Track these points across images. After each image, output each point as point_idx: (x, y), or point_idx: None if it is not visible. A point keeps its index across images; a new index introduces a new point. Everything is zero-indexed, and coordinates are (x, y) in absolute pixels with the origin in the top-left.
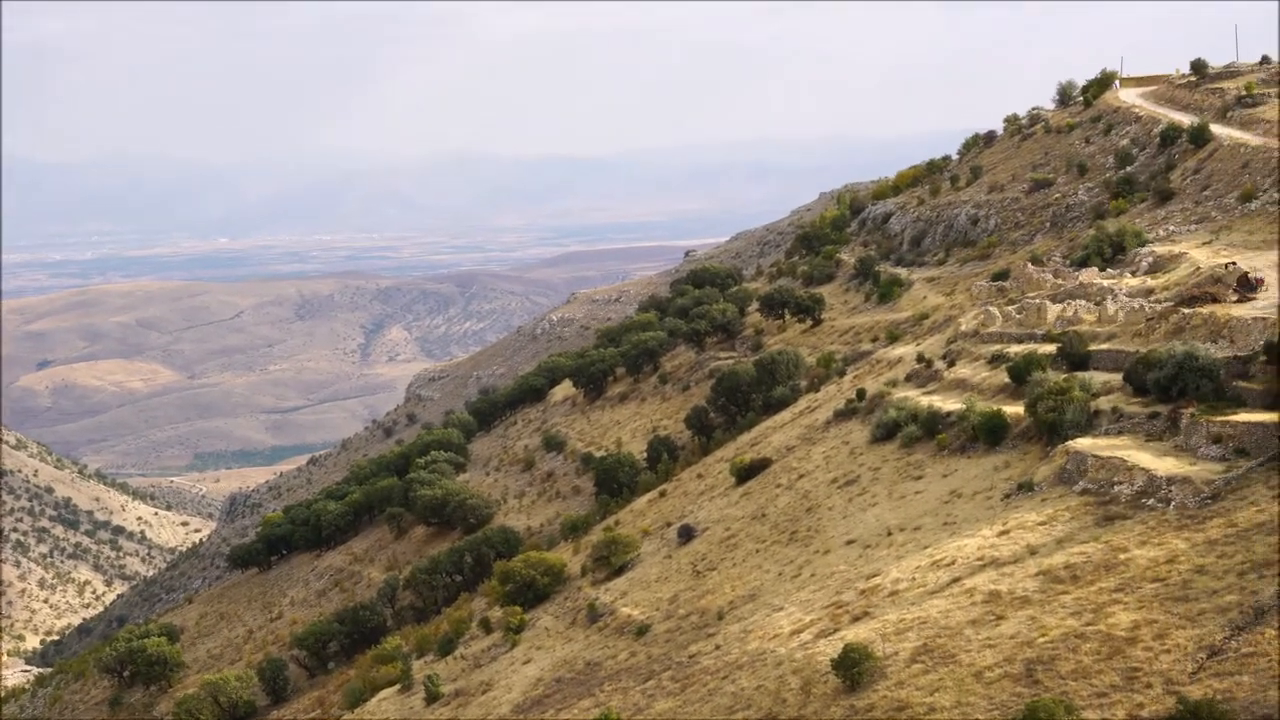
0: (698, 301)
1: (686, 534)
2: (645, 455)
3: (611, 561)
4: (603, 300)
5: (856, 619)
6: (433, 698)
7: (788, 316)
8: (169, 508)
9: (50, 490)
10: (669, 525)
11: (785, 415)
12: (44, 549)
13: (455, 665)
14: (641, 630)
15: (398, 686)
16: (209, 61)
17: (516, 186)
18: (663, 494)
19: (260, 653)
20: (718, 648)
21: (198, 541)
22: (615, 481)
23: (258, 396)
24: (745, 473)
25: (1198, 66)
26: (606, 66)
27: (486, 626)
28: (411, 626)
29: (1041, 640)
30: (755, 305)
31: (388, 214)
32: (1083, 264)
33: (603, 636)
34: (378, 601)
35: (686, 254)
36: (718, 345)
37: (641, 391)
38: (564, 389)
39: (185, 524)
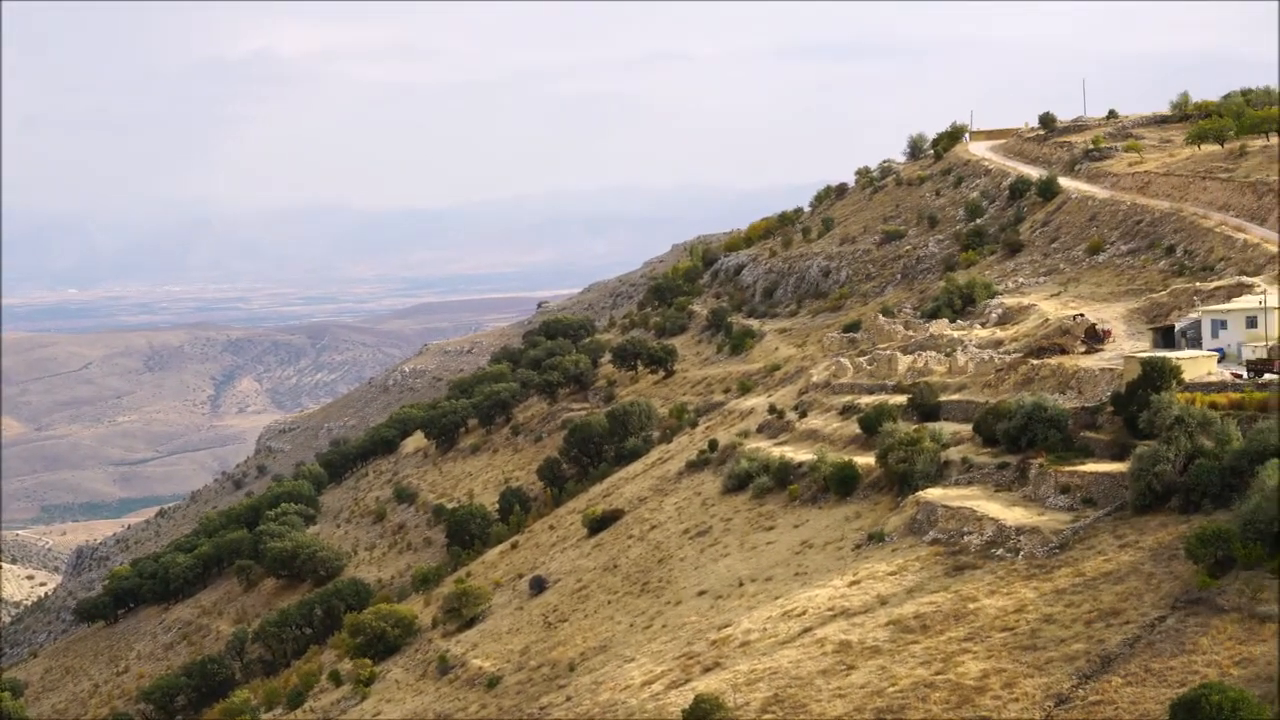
0: (550, 353)
1: (538, 585)
2: (497, 506)
3: (463, 613)
4: (455, 351)
5: (708, 669)
6: None
7: (640, 367)
8: (14, 561)
9: None
10: (521, 576)
11: (638, 466)
12: None
13: (305, 718)
14: (493, 682)
15: None
16: (58, 110)
17: (369, 238)
18: (514, 545)
19: (106, 707)
20: (569, 699)
21: (43, 595)
22: (467, 533)
23: (106, 448)
24: (597, 524)
25: (1046, 120)
26: (456, 121)
27: (337, 679)
28: (261, 679)
29: (891, 690)
30: (608, 356)
31: (238, 265)
32: (933, 315)
33: (454, 688)
34: (226, 654)
35: (539, 305)
36: (570, 396)
37: (494, 443)
38: (416, 440)
39: (30, 577)
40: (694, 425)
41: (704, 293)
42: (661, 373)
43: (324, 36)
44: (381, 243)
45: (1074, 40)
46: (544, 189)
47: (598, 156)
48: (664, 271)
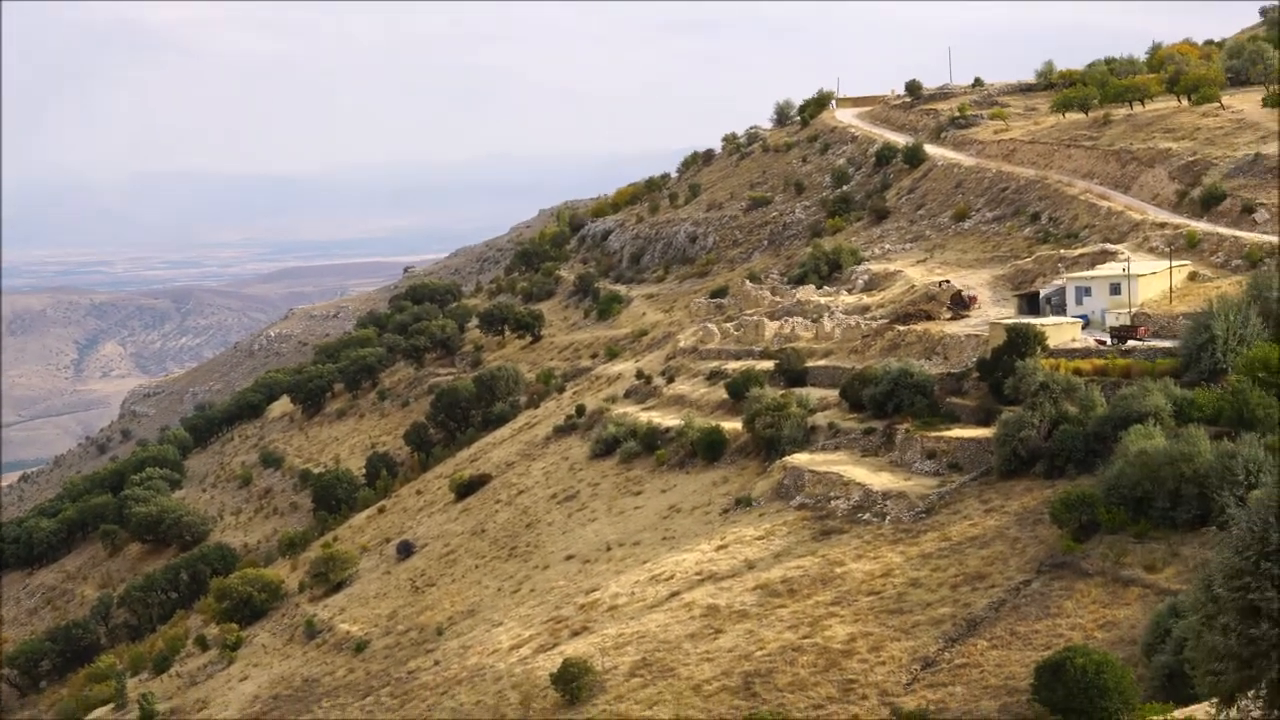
0: (417, 318)
1: (406, 550)
2: (364, 471)
3: (330, 578)
4: (321, 316)
5: (576, 634)
6: (147, 716)
7: (508, 332)
8: None
9: None
10: (388, 541)
11: (505, 431)
12: None
13: (171, 683)
14: (360, 646)
15: (111, 705)
16: None
17: (237, 204)
18: (382, 510)
19: None
20: (437, 664)
21: None
22: (334, 498)
23: None
24: (465, 489)
25: (912, 88)
26: (328, 88)
27: (203, 644)
28: (126, 644)
29: (759, 653)
30: (475, 321)
31: (103, 230)
32: (800, 281)
33: (321, 653)
34: (91, 619)
35: (406, 270)
36: (437, 361)
37: (360, 408)
38: (282, 405)
39: None
40: (561, 390)
41: (571, 258)
42: (529, 338)
43: (196, 4)
44: (249, 208)
45: (941, 8)
46: (416, 156)
47: (470, 124)
48: (531, 237)
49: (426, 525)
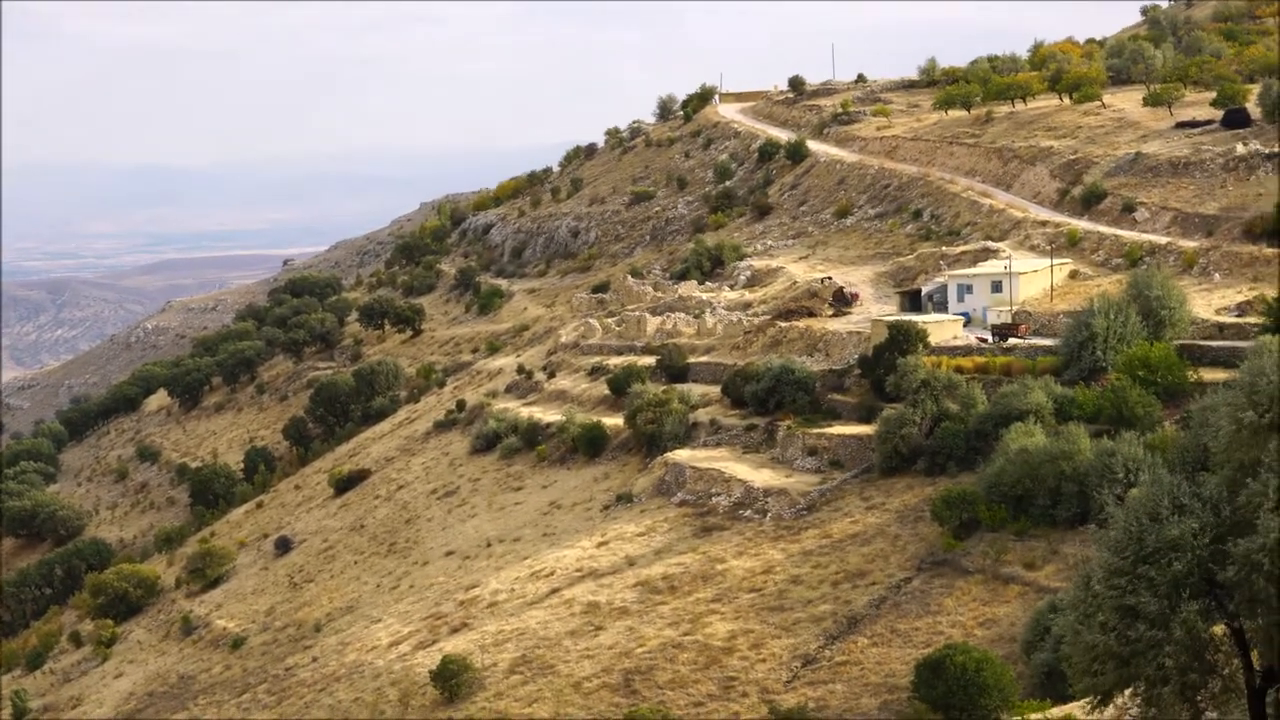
0: (296, 311)
1: (284, 546)
2: (242, 466)
3: (207, 574)
4: (199, 309)
5: (455, 630)
6: (20, 713)
7: (387, 327)
8: None
9: None
10: (266, 537)
11: (385, 426)
12: None
13: (44, 680)
14: (237, 643)
15: None
16: None
17: (114, 196)
18: (260, 505)
19: None
20: (315, 660)
21: None
22: (211, 492)
23: None
24: (344, 484)
25: (795, 83)
26: (208, 80)
27: (77, 640)
28: None
29: (640, 651)
30: (355, 315)
31: None
32: (682, 277)
33: (197, 649)
34: None
35: (285, 263)
36: (316, 355)
37: (238, 401)
38: (159, 399)
39: None
40: (442, 385)
41: (452, 252)
42: (409, 332)
43: None
44: (127, 200)
45: (825, 5)
46: (296, 149)
47: (352, 117)
48: (412, 230)
49: (305, 521)
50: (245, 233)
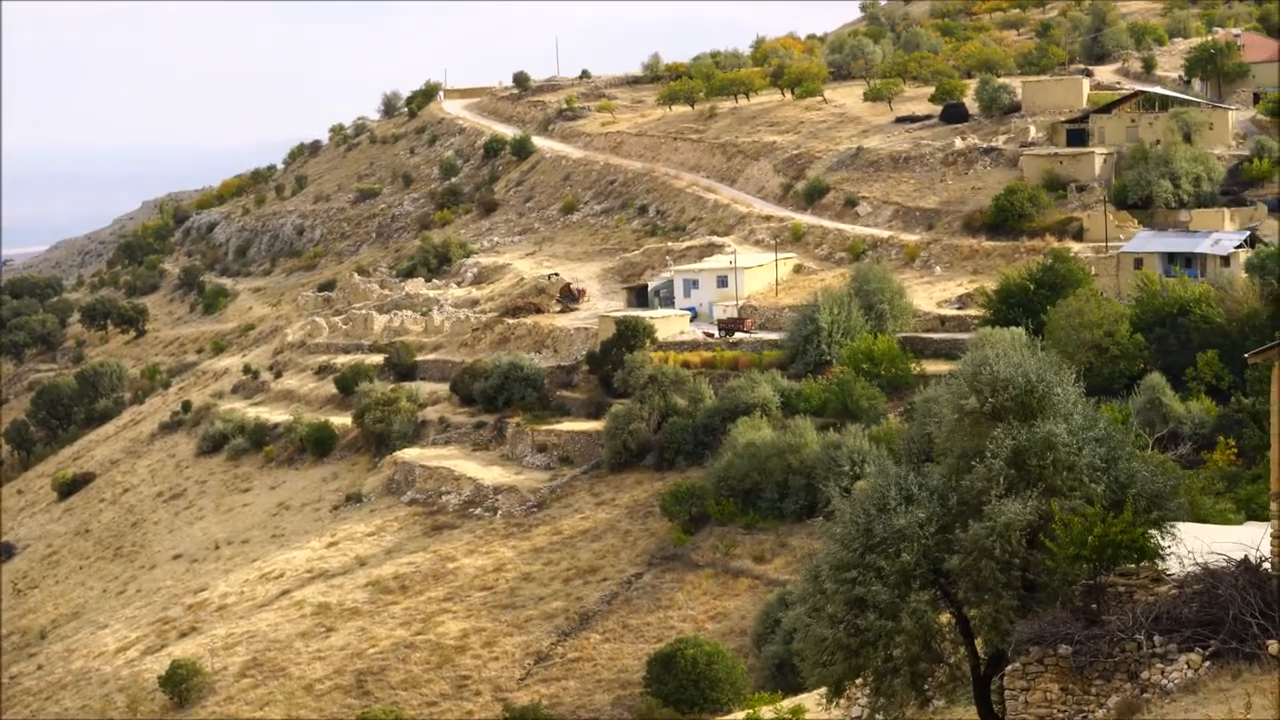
0: (16, 312)
1: (6, 552)
2: None
3: None
4: None
5: (184, 634)
6: None
7: (110, 327)
8: None
9: None
10: None
11: (109, 428)
12: None
13: None
14: None
15: None
16: None
17: None
18: None
19: None
20: (40, 668)
21: None
22: None
23: None
24: (68, 487)
25: (520, 79)
26: None
27: None
28: None
29: (372, 651)
30: (77, 316)
31: None
32: (409, 275)
33: None
34: None
35: (4, 263)
36: (38, 357)
37: None
38: None
39: None
40: (167, 386)
41: (176, 251)
42: (133, 333)
43: None
44: None
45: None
46: (15, 143)
47: (56, 112)
48: (134, 229)
49: (28, 526)
50: None
